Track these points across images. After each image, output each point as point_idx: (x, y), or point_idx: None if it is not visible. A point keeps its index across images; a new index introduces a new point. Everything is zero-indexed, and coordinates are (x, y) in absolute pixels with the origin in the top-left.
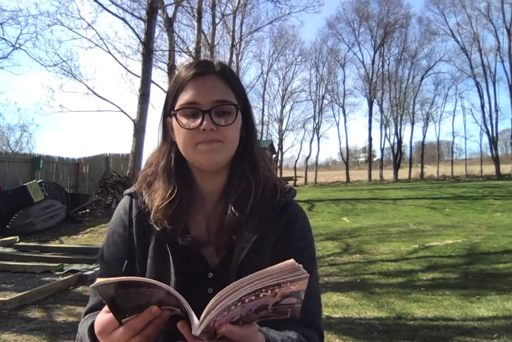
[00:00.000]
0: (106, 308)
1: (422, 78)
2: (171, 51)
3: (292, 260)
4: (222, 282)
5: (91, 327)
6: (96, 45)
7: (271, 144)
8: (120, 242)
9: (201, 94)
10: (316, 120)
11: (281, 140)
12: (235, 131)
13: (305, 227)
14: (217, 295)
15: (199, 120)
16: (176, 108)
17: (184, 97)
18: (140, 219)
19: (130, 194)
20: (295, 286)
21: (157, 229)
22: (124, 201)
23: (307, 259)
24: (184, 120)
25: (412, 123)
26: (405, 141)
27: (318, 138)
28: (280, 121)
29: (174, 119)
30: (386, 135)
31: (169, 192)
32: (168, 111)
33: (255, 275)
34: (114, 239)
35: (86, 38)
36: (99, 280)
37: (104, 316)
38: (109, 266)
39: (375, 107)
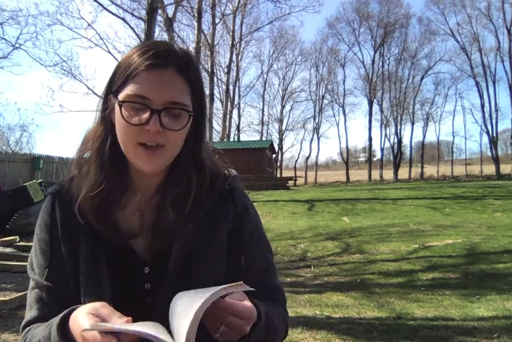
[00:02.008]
0: (94, 310)
1: (422, 78)
2: None
3: (241, 282)
4: (160, 277)
5: (61, 327)
6: (96, 45)
7: (271, 144)
8: (47, 249)
9: (154, 90)
10: (316, 120)
11: (281, 140)
12: (181, 136)
13: (254, 212)
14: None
15: (145, 116)
16: (122, 97)
17: (134, 88)
18: (66, 219)
19: (52, 193)
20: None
21: (81, 221)
22: (46, 202)
23: (263, 241)
24: (128, 112)
25: (412, 123)
26: (405, 141)
27: (318, 138)
28: (280, 121)
29: (117, 107)
30: (386, 135)
31: (98, 181)
32: (113, 90)
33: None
34: (41, 247)
35: (86, 38)
36: (91, 325)
37: (92, 321)
38: (40, 277)
39: (375, 107)
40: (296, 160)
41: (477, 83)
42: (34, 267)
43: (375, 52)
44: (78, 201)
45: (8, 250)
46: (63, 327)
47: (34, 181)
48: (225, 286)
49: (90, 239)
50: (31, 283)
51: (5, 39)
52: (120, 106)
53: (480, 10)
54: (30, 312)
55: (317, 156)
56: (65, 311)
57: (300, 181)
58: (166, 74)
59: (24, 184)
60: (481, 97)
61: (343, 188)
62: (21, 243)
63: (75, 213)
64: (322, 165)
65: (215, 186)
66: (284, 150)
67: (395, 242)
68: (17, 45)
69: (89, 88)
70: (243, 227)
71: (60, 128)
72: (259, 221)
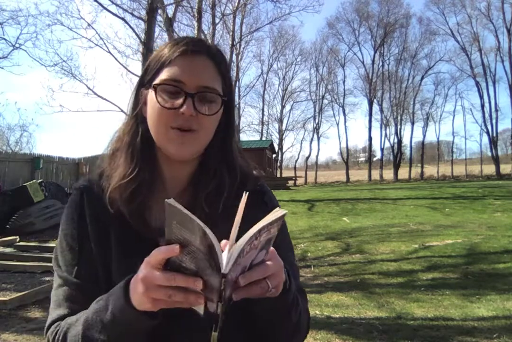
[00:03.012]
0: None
1: (422, 78)
2: None
3: (280, 210)
4: None
5: (125, 288)
6: (96, 45)
7: (271, 144)
8: (74, 245)
9: (189, 74)
10: (316, 120)
11: (281, 140)
12: (214, 122)
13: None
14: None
15: (179, 101)
16: (157, 81)
17: (169, 73)
18: (95, 214)
19: (80, 189)
20: (273, 229)
21: (111, 210)
22: (73, 197)
23: (288, 240)
24: (163, 97)
25: (412, 123)
26: (405, 141)
27: (318, 138)
28: (280, 121)
29: (152, 92)
30: (386, 135)
31: (129, 170)
32: (146, 81)
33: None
34: (68, 243)
35: (86, 38)
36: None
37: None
38: (68, 273)
39: (375, 107)
40: (296, 160)
41: (477, 83)
42: (60, 263)
43: (375, 52)
44: (109, 190)
45: (8, 250)
46: (127, 290)
47: (34, 180)
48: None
49: (122, 235)
50: (58, 281)
51: (5, 39)
52: (155, 89)
53: (480, 10)
54: (58, 310)
55: (317, 156)
56: (128, 276)
57: (300, 181)
58: (199, 60)
59: (24, 184)
60: (481, 97)
61: (343, 188)
62: (21, 243)
63: (105, 208)
64: (322, 165)
65: (245, 186)
66: (284, 150)
67: (395, 242)
68: (17, 45)
69: (89, 88)
70: None
71: (60, 128)
72: (284, 221)
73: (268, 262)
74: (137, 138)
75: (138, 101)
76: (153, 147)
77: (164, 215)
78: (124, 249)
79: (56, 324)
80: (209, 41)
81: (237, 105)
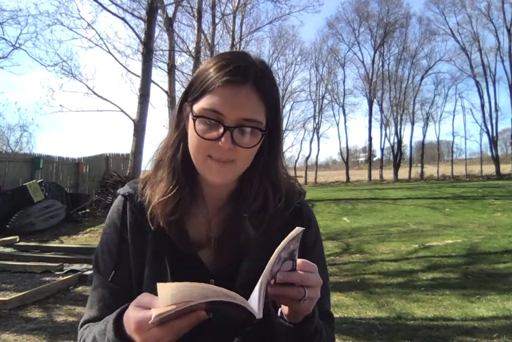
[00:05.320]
0: (137, 302)
1: (422, 78)
2: (171, 51)
3: (297, 228)
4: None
5: (116, 322)
6: (96, 45)
7: None
8: (114, 251)
9: (229, 107)
10: (316, 120)
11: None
12: (252, 152)
13: (317, 227)
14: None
15: (218, 131)
16: (197, 110)
17: (209, 102)
18: (136, 223)
19: (124, 196)
20: (293, 244)
21: (152, 227)
22: (118, 203)
23: (321, 258)
24: (201, 126)
25: (412, 123)
26: (405, 141)
27: (318, 138)
28: None
29: (191, 120)
30: (386, 135)
31: (171, 187)
32: (189, 99)
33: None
34: (108, 247)
35: (86, 38)
36: (156, 313)
37: (140, 313)
38: (105, 277)
39: (375, 107)
40: (296, 160)
41: (477, 83)
42: (99, 265)
43: (375, 52)
44: (151, 206)
45: (8, 250)
46: (118, 322)
47: (34, 180)
48: (285, 241)
49: (158, 247)
50: (96, 282)
51: (5, 39)
52: (194, 120)
53: (480, 10)
54: (90, 311)
55: (317, 156)
56: (121, 307)
57: (300, 181)
58: (242, 91)
59: (24, 184)
60: (481, 97)
61: (343, 188)
62: (21, 243)
63: (145, 219)
64: (322, 165)
65: (289, 203)
66: (284, 150)
67: (395, 242)
68: (17, 45)
69: (89, 88)
70: (303, 242)
71: (60, 128)
72: (319, 238)
73: (311, 274)
74: (177, 155)
75: (182, 115)
76: (194, 164)
77: (203, 228)
78: (158, 262)
79: (86, 325)
80: (209, 41)
81: None
